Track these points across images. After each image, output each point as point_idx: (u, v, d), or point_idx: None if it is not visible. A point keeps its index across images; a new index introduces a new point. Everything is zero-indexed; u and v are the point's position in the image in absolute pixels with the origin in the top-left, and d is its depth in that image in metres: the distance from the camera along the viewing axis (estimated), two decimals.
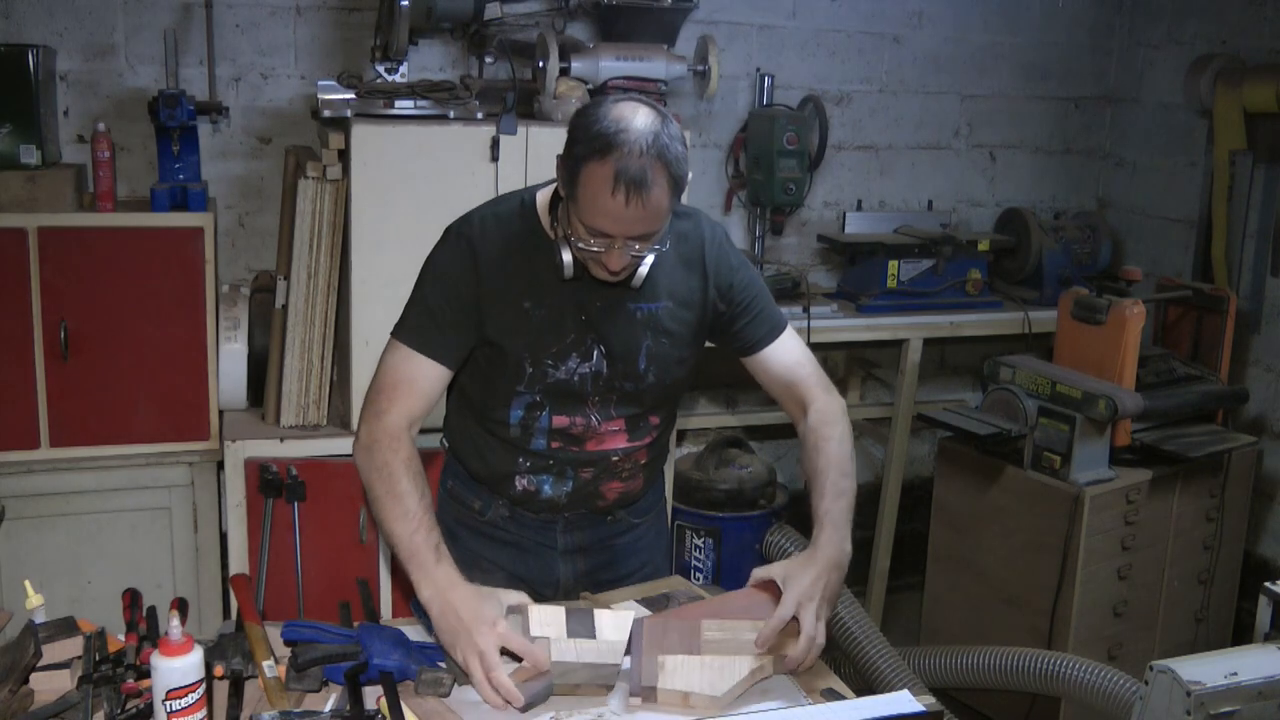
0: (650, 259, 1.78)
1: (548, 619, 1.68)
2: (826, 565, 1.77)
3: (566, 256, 1.77)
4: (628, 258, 1.72)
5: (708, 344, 2.02)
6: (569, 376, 1.88)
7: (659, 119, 1.69)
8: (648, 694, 1.63)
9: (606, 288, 1.85)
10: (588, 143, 1.66)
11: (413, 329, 1.86)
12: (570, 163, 1.70)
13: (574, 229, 1.73)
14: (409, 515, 1.74)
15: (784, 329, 2.01)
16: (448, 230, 1.91)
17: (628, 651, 1.69)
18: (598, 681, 1.65)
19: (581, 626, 1.67)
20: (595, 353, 1.88)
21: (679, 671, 1.64)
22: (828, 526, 1.82)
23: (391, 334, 1.88)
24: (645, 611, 1.87)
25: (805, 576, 1.74)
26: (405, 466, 1.77)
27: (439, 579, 1.69)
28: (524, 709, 1.58)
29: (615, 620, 1.70)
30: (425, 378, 1.84)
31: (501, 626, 1.64)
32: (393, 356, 1.86)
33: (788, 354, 2.00)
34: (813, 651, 1.71)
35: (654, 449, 2.02)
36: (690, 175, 1.76)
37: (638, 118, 1.67)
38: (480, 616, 1.63)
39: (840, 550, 1.81)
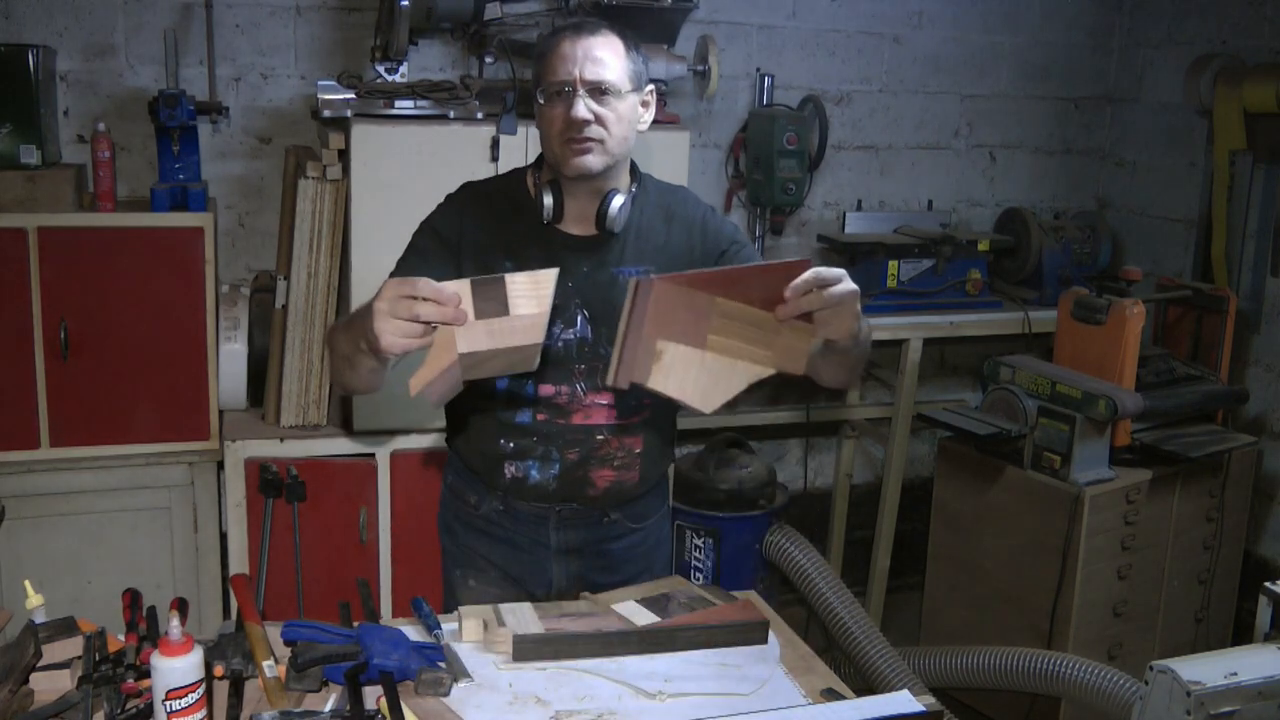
0: (622, 199, 1.87)
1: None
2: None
3: (548, 200, 1.88)
4: (588, 111, 1.80)
5: None
6: (553, 342, 1.90)
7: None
8: (629, 381, 1.46)
9: (590, 252, 1.91)
10: (550, 33, 1.89)
11: (397, 269, 1.89)
12: (536, 52, 1.89)
13: (539, 114, 1.85)
14: (344, 326, 1.71)
15: None
16: (444, 197, 1.99)
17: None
18: (515, 369, 1.52)
19: (491, 302, 1.48)
20: (579, 318, 1.91)
21: (674, 369, 1.48)
22: None
23: None
24: (647, 613, 1.86)
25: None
26: (343, 317, 1.80)
27: (364, 315, 1.56)
28: (435, 403, 1.51)
29: (532, 287, 1.50)
30: None
31: (396, 278, 1.53)
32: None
33: None
34: (822, 295, 1.57)
35: (649, 437, 2.00)
36: (651, 85, 1.91)
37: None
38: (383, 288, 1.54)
39: None
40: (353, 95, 2.85)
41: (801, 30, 3.83)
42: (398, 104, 2.85)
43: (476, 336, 1.47)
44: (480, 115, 2.89)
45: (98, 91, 3.16)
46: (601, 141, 1.83)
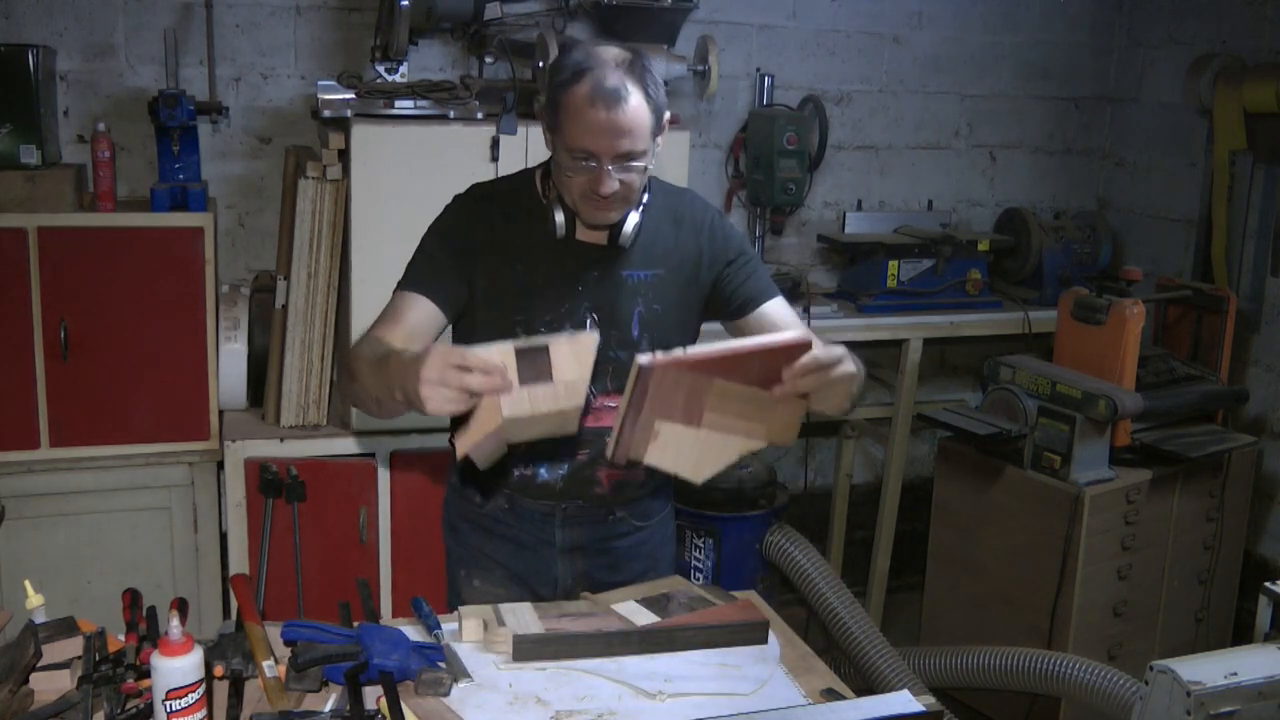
0: (636, 216, 1.86)
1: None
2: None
3: (559, 217, 1.85)
4: (615, 181, 1.77)
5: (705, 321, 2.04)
6: None
7: (631, 52, 1.79)
8: (627, 458, 1.54)
9: (599, 257, 1.90)
10: (564, 72, 1.77)
11: (407, 277, 1.90)
12: (551, 95, 1.79)
13: (561, 163, 1.79)
14: (372, 363, 1.70)
15: (779, 294, 2.03)
16: (452, 198, 1.97)
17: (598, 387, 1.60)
18: (557, 431, 1.58)
19: (534, 368, 1.53)
20: (588, 321, 1.91)
21: (669, 446, 1.55)
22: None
23: (394, 292, 1.92)
24: (647, 613, 1.86)
25: (840, 348, 1.68)
26: (365, 345, 1.78)
27: (393, 367, 1.60)
28: (482, 464, 1.57)
29: (574, 353, 1.55)
30: (411, 310, 1.87)
31: (441, 348, 1.53)
32: (387, 304, 1.89)
33: (785, 311, 2.02)
34: (820, 373, 1.60)
35: None
36: (668, 113, 1.83)
37: (609, 49, 1.79)
38: (418, 356, 1.53)
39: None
40: (353, 95, 2.85)
41: (801, 30, 3.83)
42: (398, 104, 2.85)
43: (520, 401, 1.51)
44: (480, 115, 2.89)
45: (98, 91, 3.16)
46: (624, 199, 1.81)
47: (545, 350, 1.53)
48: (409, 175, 2.77)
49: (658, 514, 2.13)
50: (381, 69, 2.95)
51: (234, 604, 1.88)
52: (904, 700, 1.57)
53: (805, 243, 3.98)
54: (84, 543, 2.93)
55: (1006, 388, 3.35)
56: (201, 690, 1.48)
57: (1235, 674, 1.46)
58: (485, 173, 2.81)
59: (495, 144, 2.83)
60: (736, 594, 1.98)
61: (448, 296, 1.89)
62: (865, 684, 3.08)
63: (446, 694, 1.62)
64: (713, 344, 1.56)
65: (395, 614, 2.27)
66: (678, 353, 1.54)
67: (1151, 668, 1.48)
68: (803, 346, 1.58)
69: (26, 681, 1.58)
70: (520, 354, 1.52)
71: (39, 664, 1.60)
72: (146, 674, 1.52)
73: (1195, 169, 3.97)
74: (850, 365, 1.63)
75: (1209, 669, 1.46)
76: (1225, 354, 3.51)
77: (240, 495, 2.90)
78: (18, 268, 2.77)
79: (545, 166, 1.95)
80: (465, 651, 1.73)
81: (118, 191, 2.99)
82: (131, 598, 1.82)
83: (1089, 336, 3.30)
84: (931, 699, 1.65)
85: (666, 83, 3.09)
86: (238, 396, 3.03)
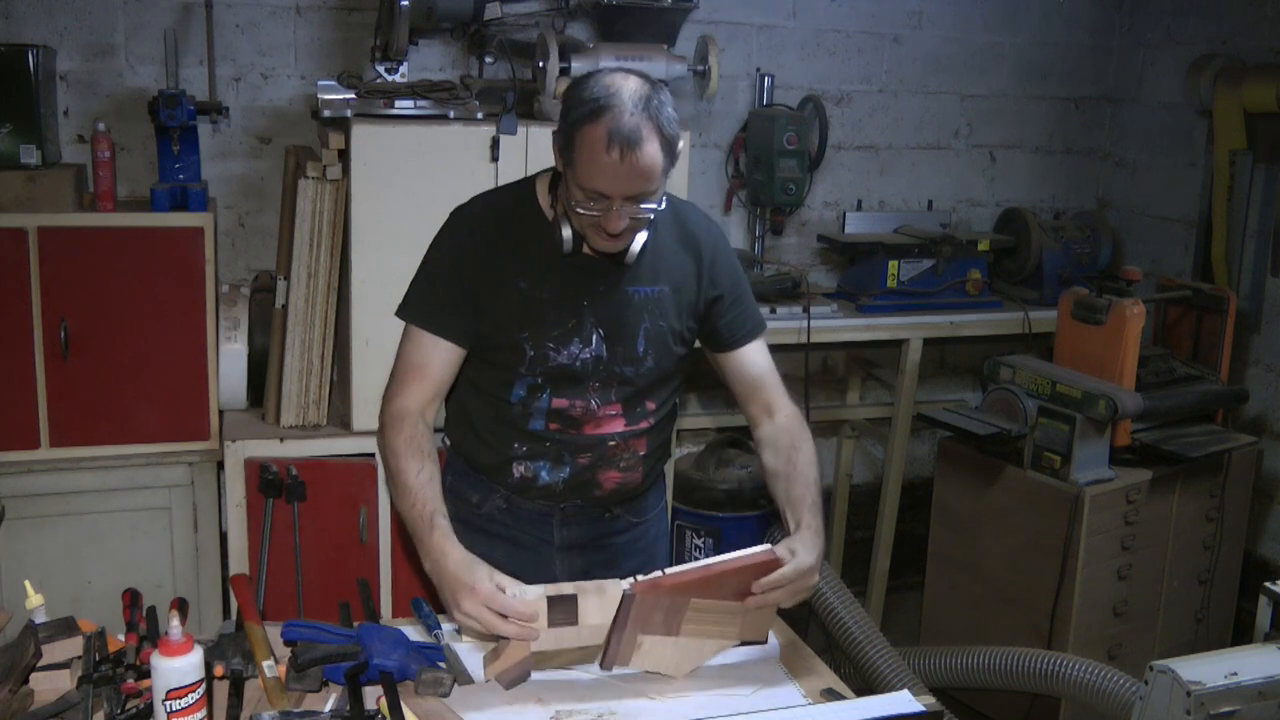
0: (643, 236, 1.84)
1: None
2: (821, 546, 1.83)
3: (566, 232, 1.83)
4: (626, 219, 1.76)
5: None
6: (570, 361, 1.90)
7: (649, 85, 1.77)
8: (614, 665, 1.69)
9: (604, 272, 1.89)
10: (581, 107, 1.74)
11: (421, 311, 1.91)
12: (566, 129, 1.77)
13: (572, 195, 1.78)
14: (407, 491, 1.81)
15: (762, 331, 2.06)
16: (451, 213, 1.96)
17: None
18: (580, 662, 1.70)
19: (563, 614, 1.66)
20: (594, 337, 1.90)
21: (652, 653, 1.69)
22: (818, 515, 1.87)
23: (400, 314, 1.93)
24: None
25: (810, 554, 1.78)
26: (406, 444, 1.83)
27: (433, 550, 1.75)
28: (506, 688, 1.65)
29: (600, 602, 1.68)
30: (437, 359, 1.90)
31: (484, 589, 1.66)
32: (407, 343, 1.92)
33: (761, 357, 2.05)
34: (795, 589, 1.74)
35: (653, 440, 2.02)
36: (682, 144, 1.83)
37: (628, 83, 1.75)
38: (463, 582, 1.68)
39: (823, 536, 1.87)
40: (353, 95, 2.85)
41: (801, 30, 3.83)
42: (398, 104, 2.85)
43: (547, 641, 1.66)
44: (480, 115, 2.89)
45: (98, 91, 3.16)
46: (632, 231, 1.80)
47: (574, 599, 1.67)
48: (409, 175, 2.77)
49: (653, 509, 2.14)
50: (381, 69, 2.95)
51: (234, 604, 1.88)
52: (904, 700, 1.57)
53: (805, 243, 3.98)
54: (84, 543, 2.93)
55: (1006, 388, 3.34)
56: (201, 690, 1.49)
57: (1235, 674, 1.46)
58: (485, 173, 2.81)
59: (495, 144, 2.83)
60: None
61: (464, 331, 1.90)
62: (865, 684, 3.08)
63: (446, 694, 1.62)
64: (689, 565, 1.70)
65: (395, 614, 2.27)
66: (656, 575, 1.65)
67: (1151, 668, 1.48)
68: (773, 563, 1.71)
69: (26, 681, 1.58)
70: (551, 601, 1.66)
71: (39, 664, 1.60)
72: (146, 674, 1.52)
73: (1195, 169, 3.97)
74: (815, 576, 1.76)
75: (1209, 669, 1.46)
76: (1225, 354, 3.51)
77: (240, 495, 2.90)
78: (18, 268, 2.77)
79: (549, 175, 1.93)
80: (465, 651, 1.73)
81: (118, 191, 2.99)
82: (131, 598, 1.82)
83: (1089, 336, 3.30)
84: (931, 699, 1.65)
85: (666, 82, 3.10)
86: (238, 396, 3.04)
